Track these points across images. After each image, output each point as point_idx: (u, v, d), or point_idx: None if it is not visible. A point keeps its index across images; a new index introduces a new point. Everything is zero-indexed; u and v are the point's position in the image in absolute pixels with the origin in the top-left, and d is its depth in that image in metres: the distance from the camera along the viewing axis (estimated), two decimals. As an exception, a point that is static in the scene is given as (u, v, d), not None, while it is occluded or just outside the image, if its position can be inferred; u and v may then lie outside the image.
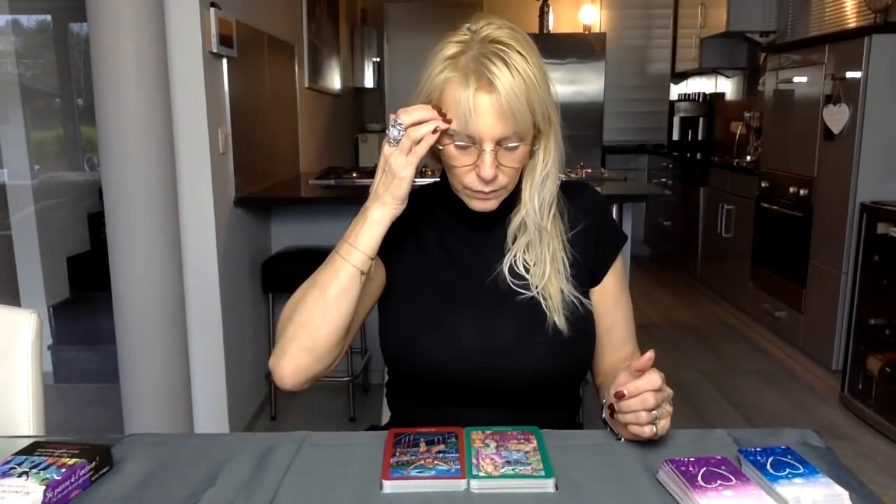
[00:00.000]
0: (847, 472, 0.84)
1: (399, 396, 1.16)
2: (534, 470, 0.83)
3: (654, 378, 0.87)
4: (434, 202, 1.11)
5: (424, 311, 1.06)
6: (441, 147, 0.98)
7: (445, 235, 1.10)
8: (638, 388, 0.86)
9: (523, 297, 1.04)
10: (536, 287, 1.04)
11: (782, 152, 3.55)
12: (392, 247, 1.07)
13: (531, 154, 1.00)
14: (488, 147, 0.94)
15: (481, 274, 1.07)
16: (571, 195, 1.09)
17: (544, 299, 1.04)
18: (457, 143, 0.95)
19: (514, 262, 1.05)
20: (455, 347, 1.03)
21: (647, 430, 0.87)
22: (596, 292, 1.11)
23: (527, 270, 1.05)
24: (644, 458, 0.88)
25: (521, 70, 0.92)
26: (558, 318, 1.03)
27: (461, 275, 1.08)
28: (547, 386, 1.06)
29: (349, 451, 0.91)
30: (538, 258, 1.05)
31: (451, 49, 0.95)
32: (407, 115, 0.91)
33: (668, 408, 0.90)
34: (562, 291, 1.04)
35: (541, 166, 1.01)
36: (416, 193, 1.14)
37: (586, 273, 1.09)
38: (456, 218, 1.09)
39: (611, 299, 1.11)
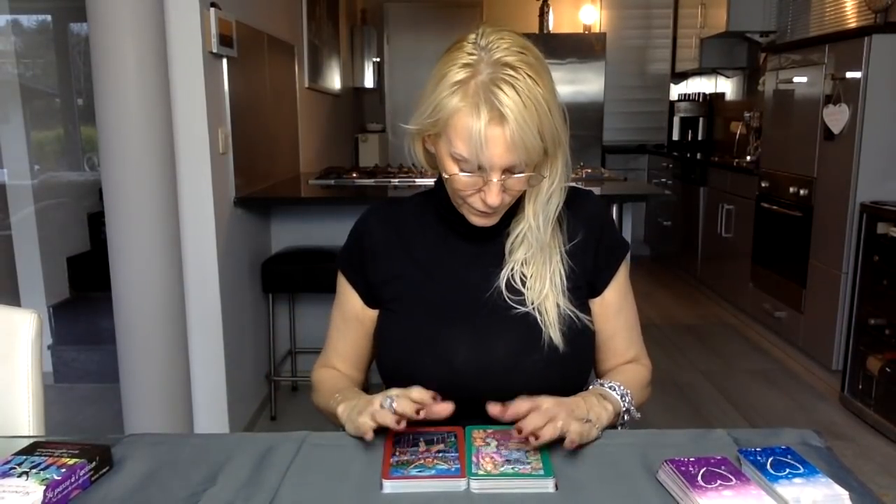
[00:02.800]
0: (847, 472, 0.84)
1: None
2: (533, 469, 0.83)
3: (522, 405, 0.88)
4: (431, 212, 1.10)
5: (418, 329, 1.05)
6: (447, 176, 0.97)
7: (441, 248, 1.08)
8: (521, 425, 0.87)
9: (519, 312, 1.02)
10: (533, 302, 1.02)
11: (782, 152, 3.55)
12: (386, 260, 1.07)
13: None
14: (496, 178, 0.93)
15: (477, 288, 1.05)
16: (572, 205, 1.07)
17: (540, 314, 1.02)
18: (464, 172, 0.95)
19: (511, 276, 1.04)
20: (448, 368, 1.01)
21: (567, 443, 0.87)
22: (596, 303, 1.09)
23: (523, 284, 1.03)
24: (644, 458, 0.88)
25: (532, 97, 0.90)
26: (554, 335, 1.01)
27: (456, 289, 1.06)
28: None
29: (349, 451, 0.91)
30: (536, 272, 1.03)
31: (459, 74, 0.92)
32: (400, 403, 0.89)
33: (577, 415, 0.90)
34: (558, 306, 1.02)
35: (547, 184, 1.00)
36: (412, 202, 1.13)
37: (585, 285, 1.07)
38: (452, 230, 1.07)
39: (612, 309, 1.10)
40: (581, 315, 1.04)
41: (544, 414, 0.87)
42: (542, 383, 0.99)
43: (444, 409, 0.89)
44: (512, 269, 1.04)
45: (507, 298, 1.03)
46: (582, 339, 1.04)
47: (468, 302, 1.05)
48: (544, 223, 1.01)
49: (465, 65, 0.93)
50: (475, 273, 1.05)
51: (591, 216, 1.09)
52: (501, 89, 0.90)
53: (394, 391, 0.91)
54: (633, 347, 1.13)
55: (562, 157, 0.99)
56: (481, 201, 0.96)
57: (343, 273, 1.13)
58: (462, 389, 1.00)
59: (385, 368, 1.07)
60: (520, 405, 0.88)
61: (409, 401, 0.88)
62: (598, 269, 1.08)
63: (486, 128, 0.90)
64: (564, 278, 1.04)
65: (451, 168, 0.96)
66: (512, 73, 0.91)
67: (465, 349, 1.02)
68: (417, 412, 0.88)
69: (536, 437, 0.86)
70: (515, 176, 0.94)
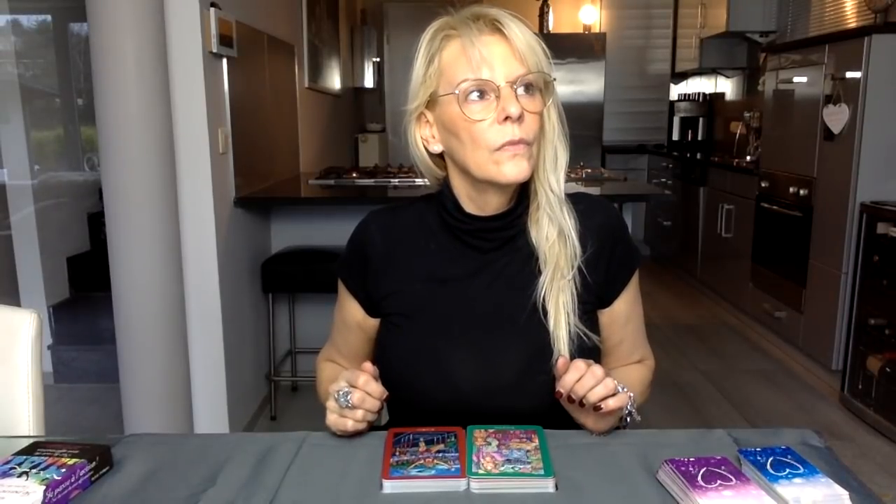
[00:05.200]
0: (847, 472, 0.84)
1: (397, 415, 1.12)
2: (533, 469, 0.83)
3: (579, 364, 0.90)
4: (434, 220, 1.05)
5: (420, 346, 1.01)
6: (459, 121, 0.93)
7: (445, 259, 1.04)
8: (567, 384, 0.90)
9: (525, 328, 0.99)
10: (542, 320, 0.98)
11: (782, 152, 3.55)
12: (387, 274, 1.04)
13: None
14: (503, 82, 0.91)
15: (481, 302, 1.01)
16: (584, 214, 1.02)
17: (548, 333, 0.98)
18: (471, 96, 0.92)
19: (537, 295, 0.99)
20: (452, 389, 0.99)
21: (613, 402, 0.89)
22: (605, 314, 1.06)
23: (543, 308, 0.99)
24: (644, 458, 0.88)
25: (522, 21, 0.93)
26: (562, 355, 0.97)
27: (460, 303, 1.02)
28: (550, 417, 0.99)
29: (349, 451, 0.91)
30: (547, 288, 0.99)
31: (438, 24, 0.96)
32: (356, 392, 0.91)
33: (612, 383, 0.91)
34: (569, 325, 0.98)
35: (550, 134, 0.97)
36: (414, 208, 1.08)
37: (594, 298, 1.03)
38: (457, 237, 1.03)
39: (621, 319, 1.07)
40: (591, 335, 1.00)
41: (592, 375, 0.90)
42: (549, 403, 0.97)
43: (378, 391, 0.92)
44: (542, 290, 0.99)
45: (515, 314, 1.00)
46: (591, 357, 0.99)
47: (472, 316, 1.01)
48: (557, 184, 0.98)
49: (445, 19, 0.97)
50: (480, 285, 1.02)
51: (605, 228, 1.03)
52: (491, 13, 0.93)
53: (344, 382, 0.92)
54: (639, 350, 1.12)
55: (555, 110, 0.98)
56: (503, 123, 0.91)
57: (343, 282, 1.10)
58: (465, 408, 0.98)
59: (386, 380, 1.01)
60: (573, 373, 0.91)
61: (366, 396, 0.91)
62: (608, 282, 1.04)
63: (481, 39, 0.92)
64: (576, 294, 1.00)
65: (463, 106, 0.92)
66: (494, 11, 0.94)
67: (469, 368, 0.99)
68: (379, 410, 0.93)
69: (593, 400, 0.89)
70: (525, 82, 0.92)
